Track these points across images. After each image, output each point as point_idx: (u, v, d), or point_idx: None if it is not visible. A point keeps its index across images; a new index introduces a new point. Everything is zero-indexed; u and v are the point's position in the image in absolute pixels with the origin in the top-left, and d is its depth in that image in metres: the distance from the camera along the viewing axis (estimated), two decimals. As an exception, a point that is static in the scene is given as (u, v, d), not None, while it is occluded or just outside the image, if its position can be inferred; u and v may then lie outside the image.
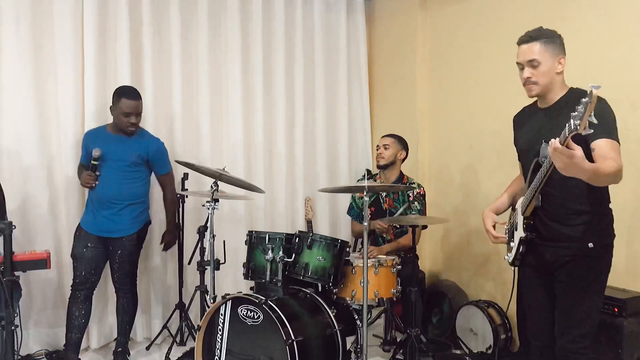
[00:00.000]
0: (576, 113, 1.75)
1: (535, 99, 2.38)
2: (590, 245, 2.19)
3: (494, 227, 2.46)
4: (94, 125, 3.66)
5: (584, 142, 2.07)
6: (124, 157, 3.38)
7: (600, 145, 2.08)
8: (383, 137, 4.03)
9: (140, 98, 3.44)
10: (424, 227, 3.95)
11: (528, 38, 2.26)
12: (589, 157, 2.05)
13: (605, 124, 2.10)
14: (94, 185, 3.33)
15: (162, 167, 3.61)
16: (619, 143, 2.12)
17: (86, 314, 3.41)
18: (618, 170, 2.03)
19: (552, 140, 1.89)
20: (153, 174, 3.63)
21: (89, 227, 3.38)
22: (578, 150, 1.85)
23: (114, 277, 3.47)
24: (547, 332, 2.36)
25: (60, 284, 3.72)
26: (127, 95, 3.36)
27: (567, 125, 1.81)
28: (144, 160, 3.47)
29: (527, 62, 2.25)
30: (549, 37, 2.24)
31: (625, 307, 2.77)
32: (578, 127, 1.75)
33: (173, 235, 3.81)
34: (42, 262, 3.04)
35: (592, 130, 1.77)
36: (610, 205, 2.30)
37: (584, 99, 1.71)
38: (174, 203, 3.76)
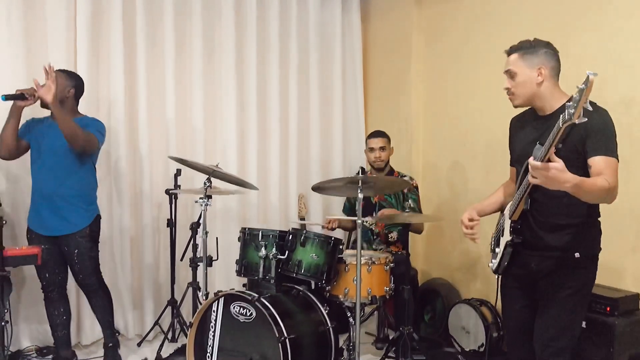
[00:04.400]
0: (571, 103, 1.73)
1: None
2: (577, 255, 2.17)
3: (472, 225, 2.42)
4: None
5: (583, 158, 2.09)
6: (59, 143, 3.09)
7: (597, 163, 2.06)
8: (374, 137, 3.93)
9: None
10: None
11: (510, 49, 2.28)
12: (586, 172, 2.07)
13: (604, 139, 2.08)
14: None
15: (88, 128, 3.18)
16: (617, 160, 2.09)
17: (65, 310, 3.36)
18: (608, 189, 2.01)
19: (530, 159, 1.92)
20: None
21: (37, 228, 3.21)
22: (558, 163, 1.86)
23: (78, 279, 3.29)
24: (526, 344, 2.34)
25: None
26: None
27: (560, 116, 1.79)
28: None
29: (505, 72, 2.28)
30: (530, 48, 2.22)
31: (617, 306, 2.78)
32: (572, 116, 1.73)
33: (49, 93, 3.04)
34: (33, 258, 3.00)
35: (587, 119, 1.75)
36: (600, 219, 2.27)
37: (579, 86, 1.69)
38: (82, 133, 3.11)
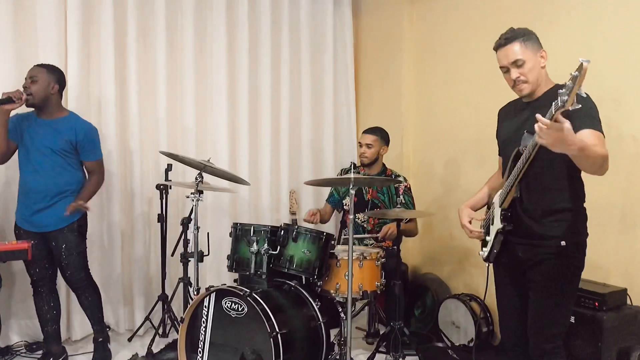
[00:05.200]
0: (564, 90, 1.73)
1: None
2: (563, 243, 2.19)
3: (470, 222, 2.46)
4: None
5: None
6: (48, 142, 3.13)
7: (586, 135, 2.05)
8: (365, 133, 3.96)
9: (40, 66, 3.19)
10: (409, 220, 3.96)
11: (504, 40, 2.24)
12: None
13: (589, 116, 2.10)
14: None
15: (90, 153, 3.26)
16: (603, 135, 2.11)
17: (55, 305, 3.34)
18: (605, 156, 2.01)
19: (539, 116, 1.86)
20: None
21: (25, 225, 3.20)
22: (566, 123, 1.82)
23: (67, 275, 3.26)
24: (519, 332, 2.38)
25: (40, 275, 3.67)
26: None
27: (553, 103, 1.80)
28: (73, 147, 3.19)
29: (512, 63, 2.22)
30: (525, 35, 2.23)
31: (605, 302, 2.81)
32: (565, 103, 1.74)
33: (82, 204, 3.19)
34: (23, 253, 2.97)
35: (580, 106, 1.76)
36: (585, 204, 2.29)
37: (573, 73, 1.69)
38: (98, 185, 3.33)
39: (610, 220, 3.07)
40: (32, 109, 3.20)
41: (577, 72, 1.69)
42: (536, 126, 1.87)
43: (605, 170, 2.08)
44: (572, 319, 2.84)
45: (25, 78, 3.13)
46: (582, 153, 1.93)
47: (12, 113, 3.14)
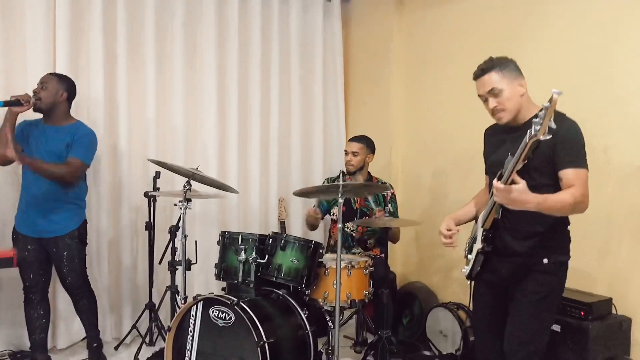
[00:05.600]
0: (537, 119, 1.79)
1: None
2: (545, 261, 2.23)
3: (449, 232, 2.45)
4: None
5: (553, 168, 2.14)
6: (54, 148, 3.16)
7: (566, 175, 2.12)
8: (351, 141, 4.00)
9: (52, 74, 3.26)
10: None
11: (481, 71, 2.28)
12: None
13: (574, 150, 2.14)
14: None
15: (77, 150, 3.18)
16: (587, 169, 2.15)
17: (45, 313, 3.34)
18: (573, 204, 2.07)
19: (494, 181, 1.98)
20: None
21: (25, 230, 3.21)
22: (519, 185, 1.93)
23: (67, 281, 3.27)
24: (495, 349, 2.38)
25: (25, 283, 3.63)
26: None
27: (528, 131, 1.85)
28: (70, 149, 3.19)
29: (488, 92, 2.26)
30: (502, 64, 2.25)
31: (591, 311, 2.84)
32: (538, 133, 1.80)
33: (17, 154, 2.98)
34: (8, 261, 2.96)
35: (551, 136, 1.82)
36: (569, 227, 2.32)
37: (545, 104, 1.75)
38: (56, 170, 3.12)
39: (596, 230, 3.10)
40: (41, 116, 3.25)
41: (548, 103, 1.74)
42: (492, 187, 2.00)
43: (582, 210, 2.13)
44: (558, 328, 2.87)
45: (37, 84, 3.20)
46: (540, 208, 2.02)
47: (22, 118, 3.21)
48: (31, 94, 3.14)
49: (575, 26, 3.24)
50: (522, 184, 1.95)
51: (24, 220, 3.23)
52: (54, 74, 3.28)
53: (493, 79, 2.24)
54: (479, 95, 2.32)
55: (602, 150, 3.03)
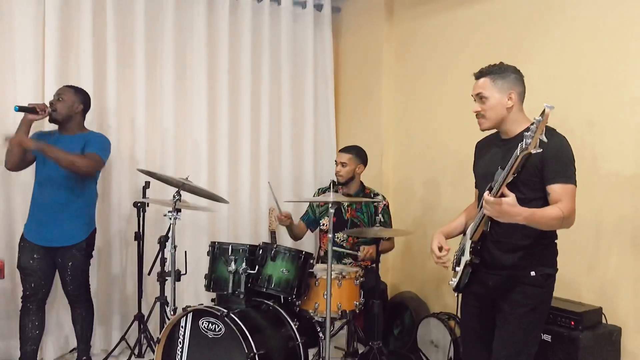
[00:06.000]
0: (529, 132, 1.81)
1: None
2: (532, 273, 2.23)
3: (440, 249, 2.45)
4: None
5: (542, 182, 2.16)
6: (69, 152, 3.19)
7: (554, 190, 2.14)
8: (341, 152, 3.99)
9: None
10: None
11: (479, 73, 2.31)
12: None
13: (562, 166, 2.15)
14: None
15: (93, 146, 3.28)
16: (575, 185, 2.16)
17: (40, 325, 3.32)
18: (561, 218, 2.09)
19: (485, 193, 2.00)
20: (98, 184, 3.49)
21: (34, 238, 3.24)
22: (509, 198, 1.95)
23: (68, 289, 3.34)
24: None
25: (13, 294, 3.60)
26: None
27: (519, 145, 1.86)
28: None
29: (476, 95, 2.30)
30: (500, 73, 2.26)
31: (582, 321, 2.84)
32: (529, 146, 1.81)
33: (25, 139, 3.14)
34: (-3, 272, 2.95)
35: (542, 150, 1.84)
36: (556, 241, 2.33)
37: (536, 117, 1.76)
38: (76, 160, 3.15)
39: (586, 239, 3.11)
40: (56, 127, 3.35)
41: (540, 117, 1.75)
42: (482, 199, 2.02)
43: (569, 225, 2.16)
44: (549, 338, 2.86)
45: (53, 95, 3.30)
46: (528, 221, 2.04)
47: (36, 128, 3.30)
48: (47, 104, 3.23)
49: (568, 36, 3.27)
50: (511, 197, 1.96)
51: (33, 228, 3.26)
52: (71, 86, 3.36)
53: (483, 84, 2.27)
54: (472, 95, 2.35)
55: (591, 160, 3.05)
